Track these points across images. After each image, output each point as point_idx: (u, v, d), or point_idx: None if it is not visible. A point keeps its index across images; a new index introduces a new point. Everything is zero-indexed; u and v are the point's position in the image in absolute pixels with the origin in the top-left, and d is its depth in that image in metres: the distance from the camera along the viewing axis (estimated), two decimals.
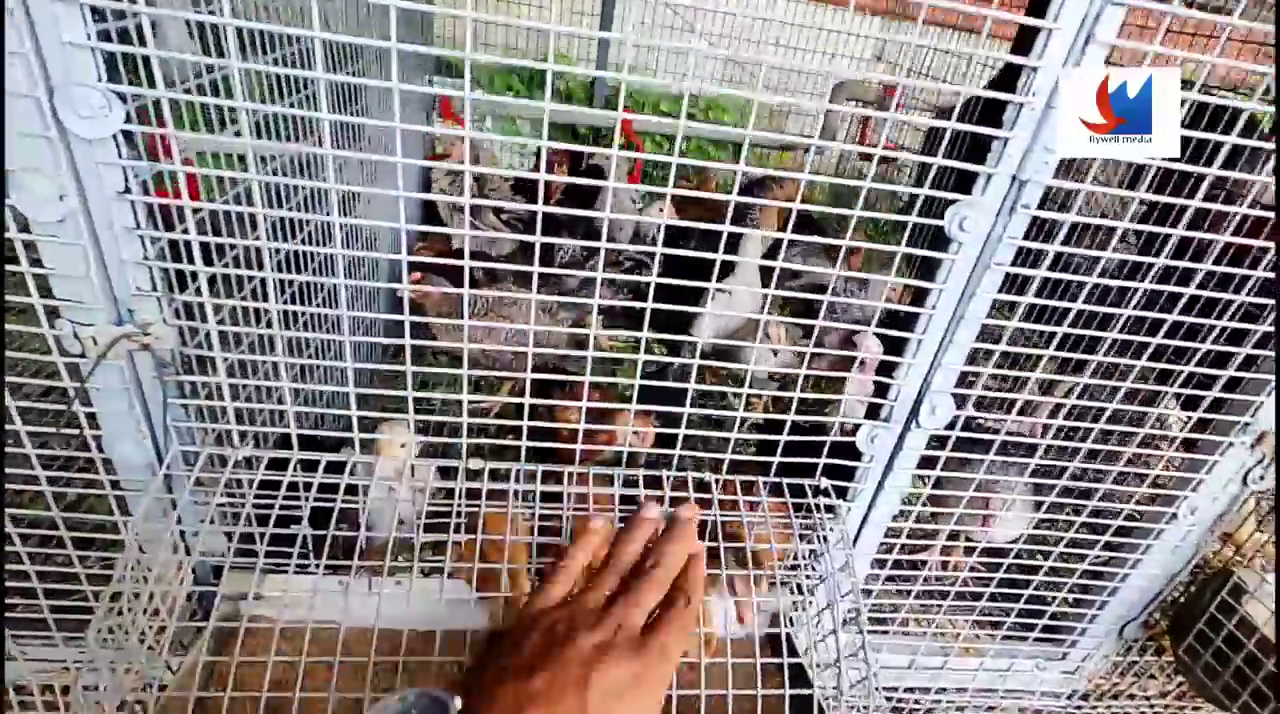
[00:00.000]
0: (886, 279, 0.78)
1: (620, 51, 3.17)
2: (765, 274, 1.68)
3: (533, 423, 0.85)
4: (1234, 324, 0.85)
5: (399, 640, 0.72)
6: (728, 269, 1.67)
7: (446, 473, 0.87)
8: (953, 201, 0.72)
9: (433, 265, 1.43)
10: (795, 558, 0.91)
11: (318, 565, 0.80)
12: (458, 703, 0.46)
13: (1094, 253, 0.79)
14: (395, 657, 0.70)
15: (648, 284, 0.74)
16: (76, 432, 0.75)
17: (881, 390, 0.85)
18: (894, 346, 0.83)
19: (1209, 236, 0.78)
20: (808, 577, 0.91)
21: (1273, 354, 0.87)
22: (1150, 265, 0.77)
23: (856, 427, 0.87)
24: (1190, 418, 0.94)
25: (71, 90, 0.59)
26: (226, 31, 0.59)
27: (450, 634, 0.74)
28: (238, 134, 0.68)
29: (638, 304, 0.77)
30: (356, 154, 0.66)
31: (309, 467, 0.82)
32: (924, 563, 1.13)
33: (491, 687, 0.46)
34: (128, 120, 0.61)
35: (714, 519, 0.84)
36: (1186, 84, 0.65)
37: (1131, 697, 1.23)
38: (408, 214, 0.68)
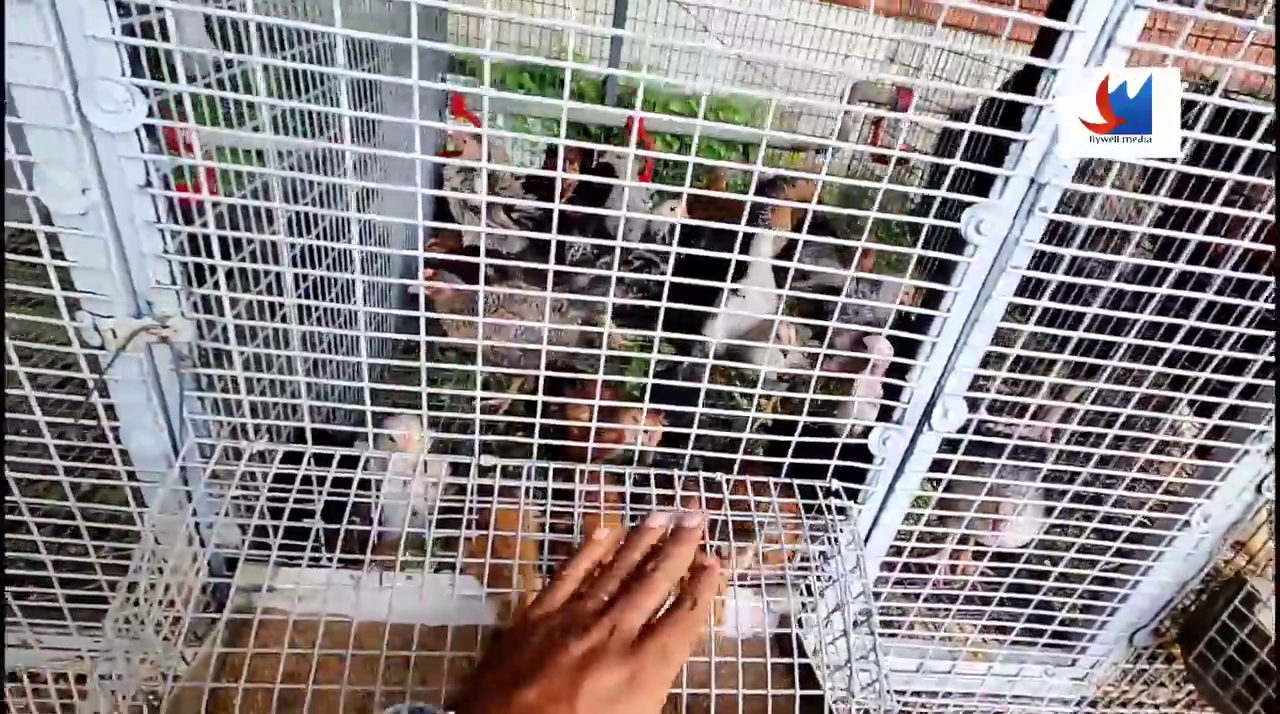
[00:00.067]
0: (901, 282, 0.77)
1: (634, 50, 3.17)
2: (777, 274, 1.68)
3: (544, 421, 0.85)
4: (1250, 331, 0.84)
5: (410, 635, 0.72)
6: (740, 270, 1.67)
7: (457, 469, 0.88)
8: (968, 204, 0.72)
9: (444, 262, 1.44)
10: (803, 559, 0.91)
11: (330, 559, 0.80)
12: None
13: (1110, 257, 0.79)
14: (407, 651, 0.71)
15: (658, 283, 0.74)
16: (95, 422, 0.75)
17: (894, 393, 0.85)
18: (907, 349, 0.83)
19: (1226, 241, 0.77)
20: (818, 578, 0.91)
21: None
22: (1166, 271, 0.77)
23: (868, 429, 0.86)
24: (1204, 424, 0.93)
25: (96, 84, 0.59)
26: (249, 27, 0.60)
27: (461, 630, 0.74)
28: (256, 129, 0.68)
29: (651, 303, 0.77)
30: (377, 150, 0.66)
31: (322, 461, 0.82)
32: (932, 567, 1.13)
33: (484, 698, 0.46)
34: (150, 115, 0.62)
35: (725, 518, 0.84)
36: (1210, 88, 0.64)
37: (1140, 705, 1.23)
38: (420, 211, 0.68)
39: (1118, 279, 0.77)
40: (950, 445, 0.88)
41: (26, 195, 0.63)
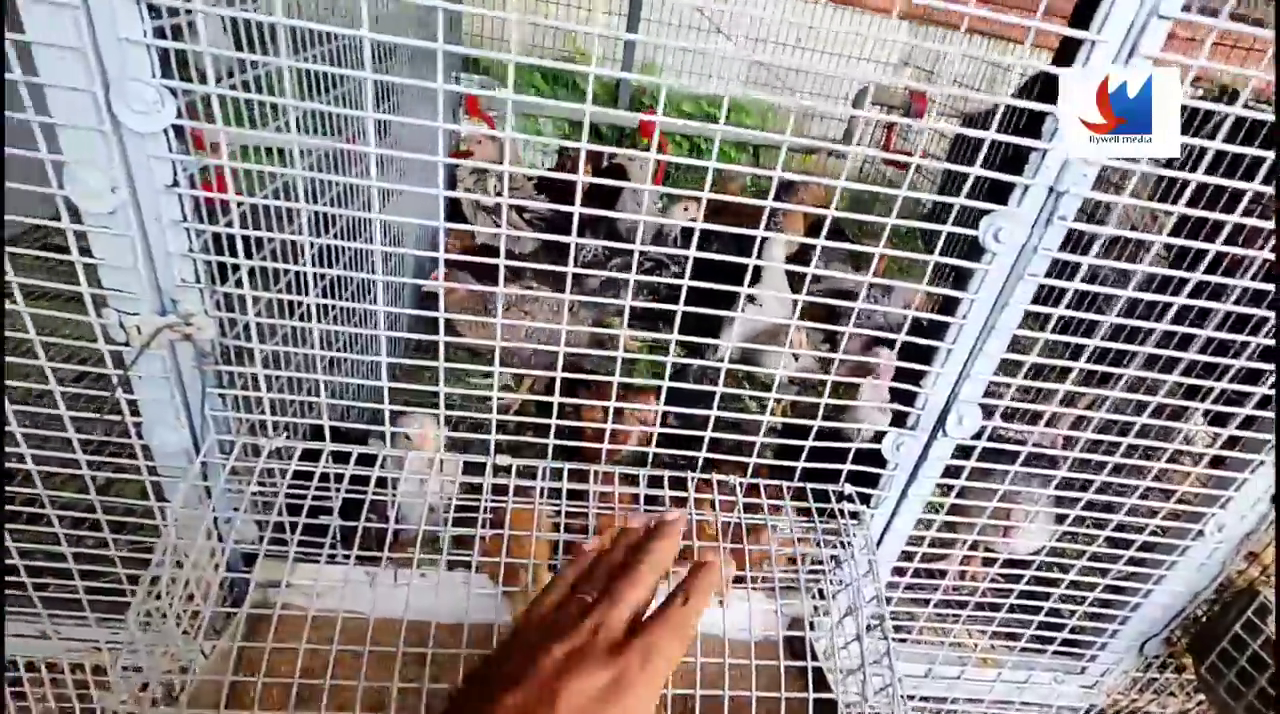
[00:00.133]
0: (916, 287, 0.77)
1: (648, 52, 3.17)
2: (790, 279, 1.68)
3: (558, 421, 0.85)
4: (1267, 341, 0.84)
5: (426, 632, 0.73)
6: (754, 274, 1.67)
7: (470, 468, 0.88)
8: (986, 211, 0.72)
9: (458, 262, 1.45)
10: (813, 562, 0.91)
11: (347, 556, 0.81)
12: None
13: (1127, 266, 0.79)
14: (423, 648, 0.72)
15: (668, 285, 0.74)
16: (118, 418, 0.76)
17: (908, 398, 0.85)
18: (922, 355, 0.83)
19: (1243, 252, 0.77)
20: (830, 582, 0.91)
21: None
22: (1183, 280, 0.77)
23: (881, 434, 0.87)
24: (1219, 435, 0.93)
25: (126, 85, 0.60)
26: (276, 30, 0.60)
27: (476, 627, 0.75)
28: (279, 129, 0.70)
29: (664, 306, 0.78)
30: (399, 152, 0.67)
31: (340, 458, 0.83)
32: (943, 572, 1.13)
33: (467, 708, 0.45)
34: (178, 115, 0.63)
35: (736, 521, 0.84)
36: (1231, 97, 0.64)
37: None
38: (435, 211, 0.69)
39: (1134, 288, 0.77)
40: (963, 451, 0.88)
41: (56, 194, 0.64)
